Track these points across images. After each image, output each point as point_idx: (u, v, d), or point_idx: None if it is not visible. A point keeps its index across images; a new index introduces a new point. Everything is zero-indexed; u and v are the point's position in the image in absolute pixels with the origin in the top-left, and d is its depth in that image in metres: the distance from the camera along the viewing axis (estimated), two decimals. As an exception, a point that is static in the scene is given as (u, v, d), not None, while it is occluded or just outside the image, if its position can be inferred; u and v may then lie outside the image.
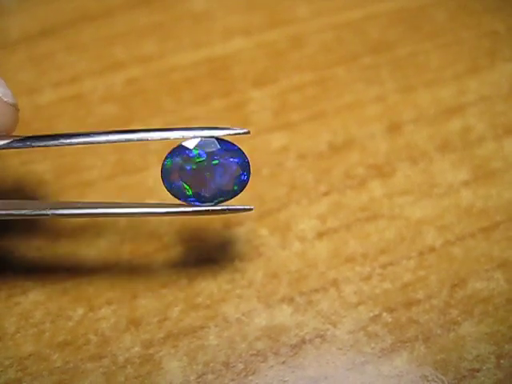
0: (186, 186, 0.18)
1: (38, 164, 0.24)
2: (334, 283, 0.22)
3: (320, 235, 0.23)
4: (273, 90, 0.26)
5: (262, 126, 0.25)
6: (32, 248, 0.23)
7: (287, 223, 0.23)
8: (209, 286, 0.22)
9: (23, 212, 0.18)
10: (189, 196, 0.18)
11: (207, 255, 0.22)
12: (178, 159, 0.18)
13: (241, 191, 0.19)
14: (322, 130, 0.25)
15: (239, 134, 0.18)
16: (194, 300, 0.21)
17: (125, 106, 0.26)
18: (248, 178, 0.18)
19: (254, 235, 0.23)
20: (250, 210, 0.19)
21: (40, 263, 0.22)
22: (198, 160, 0.18)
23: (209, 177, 0.18)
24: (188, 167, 0.18)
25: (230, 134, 0.18)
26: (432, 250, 0.22)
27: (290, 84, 0.26)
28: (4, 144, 0.18)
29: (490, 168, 0.24)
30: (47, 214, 0.18)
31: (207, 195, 0.18)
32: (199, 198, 0.18)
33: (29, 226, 0.23)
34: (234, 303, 0.21)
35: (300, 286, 0.22)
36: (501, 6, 0.28)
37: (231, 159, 0.18)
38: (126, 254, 0.22)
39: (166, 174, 0.18)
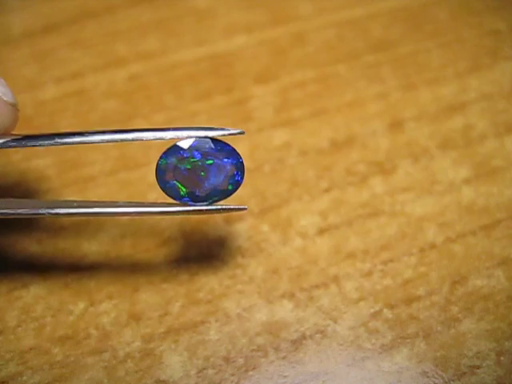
0: (180, 185, 0.18)
1: (40, 159, 0.24)
2: (335, 279, 0.22)
3: (321, 231, 0.23)
4: (275, 87, 0.26)
5: (263, 123, 0.25)
6: (33, 242, 0.23)
7: (288, 219, 0.23)
8: (210, 282, 0.22)
9: (19, 211, 0.18)
10: (183, 196, 0.18)
11: (208, 251, 0.22)
12: (172, 159, 0.18)
13: (235, 191, 0.19)
14: (324, 127, 0.25)
15: (233, 134, 0.18)
16: (195, 295, 0.21)
17: (127, 102, 0.26)
18: (242, 178, 0.19)
19: (255, 231, 0.23)
20: (244, 209, 0.19)
21: (41, 258, 0.22)
22: (192, 160, 0.18)
23: (203, 177, 0.18)
24: (182, 167, 0.18)
25: (224, 135, 0.18)
26: (433, 246, 0.22)
27: (292, 81, 0.26)
28: (0, 143, 0.18)
29: (491, 166, 0.24)
30: (43, 214, 0.18)
31: (201, 195, 0.18)
32: (193, 198, 0.18)
33: (30, 221, 0.23)
34: (234, 298, 0.21)
35: (301, 282, 0.22)
36: (502, 5, 0.28)
37: (225, 159, 0.18)
38: (127, 249, 0.22)
39: (160, 174, 0.18)
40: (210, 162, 0.18)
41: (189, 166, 0.18)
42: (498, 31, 0.28)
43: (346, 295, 0.21)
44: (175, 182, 0.18)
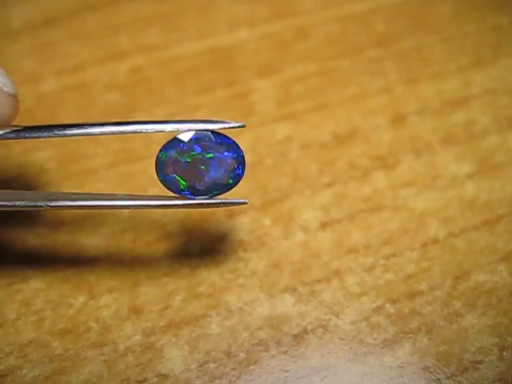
0: (180, 179, 0.18)
1: (40, 152, 0.24)
2: (337, 274, 0.22)
3: (323, 226, 0.23)
4: (277, 81, 0.26)
5: (265, 116, 0.25)
6: (33, 236, 0.22)
7: (290, 213, 0.23)
8: (211, 275, 0.22)
9: (17, 203, 0.18)
10: (183, 189, 0.18)
11: (210, 244, 0.22)
12: (172, 152, 0.18)
13: (235, 185, 0.19)
14: (326, 121, 0.25)
15: (234, 127, 0.18)
16: (196, 289, 0.21)
17: (128, 95, 0.26)
18: (243, 172, 0.18)
19: (256, 225, 0.23)
20: (245, 203, 0.19)
21: (41, 251, 0.22)
22: (192, 153, 0.18)
23: (203, 170, 0.18)
24: (182, 160, 0.18)
25: (225, 128, 0.18)
26: (435, 241, 0.22)
27: (294, 75, 0.26)
28: None
29: (494, 161, 0.24)
30: (41, 206, 0.18)
31: (202, 188, 0.18)
32: (193, 192, 0.18)
33: (30, 214, 0.23)
34: (236, 292, 0.21)
35: (303, 276, 0.22)
36: (506, 0, 0.28)
37: (226, 153, 0.18)
38: (127, 243, 0.22)
39: (160, 167, 0.18)
40: (211, 155, 0.18)
41: (189, 160, 0.18)
42: (500, 26, 0.28)
43: (348, 290, 0.21)
44: (175, 175, 0.18)
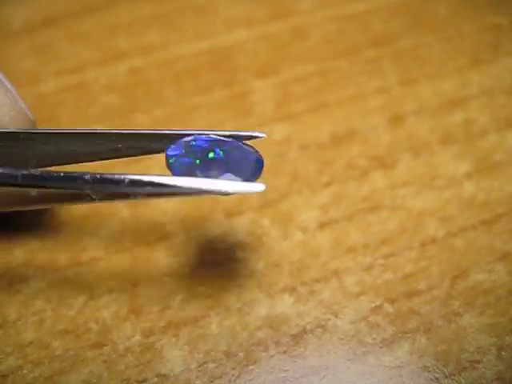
0: (197, 161, 0.17)
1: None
2: (336, 273, 0.22)
3: (322, 226, 0.23)
4: (275, 81, 0.26)
5: (264, 117, 0.25)
6: (33, 236, 0.23)
7: (289, 213, 0.23)
8: (210, 276, 0.22)
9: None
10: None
11: (209, 245, 0.22)
12: (183, 153, 0.17)
13: (258, 175, 0.18)
14: (325, 121, 0.25)
15: (257, 137, 0.18)
16: (196, 289, 0.21)
17: (127, 96, 0.26)
18: (262, 165, 0.18)
19: (255, 225, 0.23)
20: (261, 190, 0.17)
21: (41, 251, 0.22)
22: (210, 156, 0.17)
23: (221, 173, 0.17)
24: (198, 161, 0.17)
25: (244, 136, 0.18)
26: (434, 241, 0.22)
27: (293, 75, 0.26)
28: None
29: (492, 160, 0.24)
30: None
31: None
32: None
33: (30, 214, 0.23)
34: (235, 293, 0.21)
35: (301, 276, 0.22)
36: (504, 0, 0.28)
37: (245, 147, 0.18)
38: (127, 243, 0.22)
39: (174, 172, 0.17)
40: (228, 158, 0.17)
41: (205, 161, 0.17)
42: (499, 26, 0.28)
43: (346, 289, 0.21)
44: (189, 159, 0.17)
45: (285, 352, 0.20)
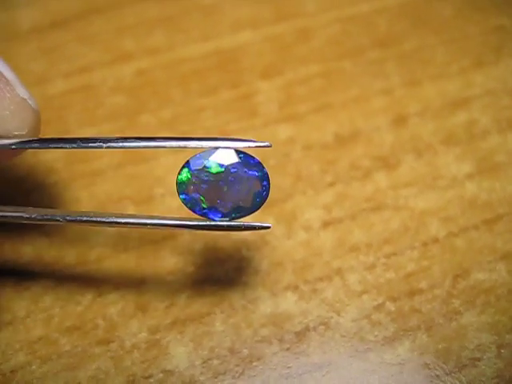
0: (202, 197, 0.17)
1: (48, 152, 0.25)
2: (339, 272, 0.22)
3: (325, 225, 0.23)
4: (280, 82, 0.26)
5: (268, 118, 0.25)
6: (41, 234, 0.23)
7: (293, 213, 0.23)
8: (215, 274, 0.22)
9: (33, 216, 0.18)
10: (204, 209, 0.18)
11: (214, 243, 0.23)
12: (194, 170, 0.17)
13: (258, 208, 0.18)
14: (328, 122, 0.25)
15: (260, 146, 0.18)
16: (201, 287, 0.22)
17: (134, 97, 0.26)
18: (267, 195, 0.18)
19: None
20: (268, 227, 0.18)
21: (49, 249, 0.23)
22: (215, 172, 0.17)
23: (226, 190, 0.17)
24: (205, 179, 0.17)
25: (250, 147, 0.17)
26: (435, 240, 0.22)
27: (297, 76, 0.26)
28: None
29: (494, 161, 0.24)
30: (58, 220, 0.18)
31: (223, 210, 0.18)
32: (214, 213, 0.18)
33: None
34: (239, 290, 0.22)
35: (305, 275, 0.22)
36: (508, 1, 0.28)
37: (250, 172, 0.17)
38: (133, 241, 0.23)
39: (181, 186, 0.18)
40: (234, 175, 0.17)
41: (211, 179, 0.17)
42: (502, 27, 0.28)
43: (349, 288, 0.22)
44: (196, 194, 0.18)
45: (288, 349, 0.21)
